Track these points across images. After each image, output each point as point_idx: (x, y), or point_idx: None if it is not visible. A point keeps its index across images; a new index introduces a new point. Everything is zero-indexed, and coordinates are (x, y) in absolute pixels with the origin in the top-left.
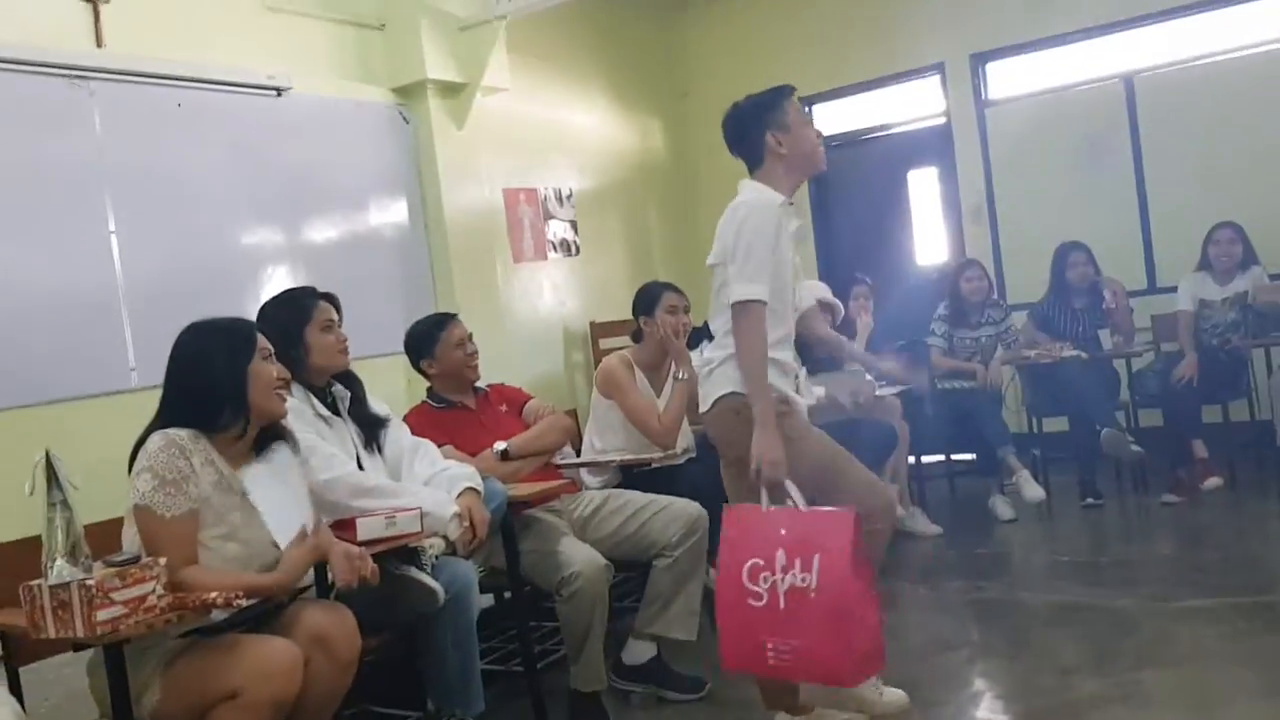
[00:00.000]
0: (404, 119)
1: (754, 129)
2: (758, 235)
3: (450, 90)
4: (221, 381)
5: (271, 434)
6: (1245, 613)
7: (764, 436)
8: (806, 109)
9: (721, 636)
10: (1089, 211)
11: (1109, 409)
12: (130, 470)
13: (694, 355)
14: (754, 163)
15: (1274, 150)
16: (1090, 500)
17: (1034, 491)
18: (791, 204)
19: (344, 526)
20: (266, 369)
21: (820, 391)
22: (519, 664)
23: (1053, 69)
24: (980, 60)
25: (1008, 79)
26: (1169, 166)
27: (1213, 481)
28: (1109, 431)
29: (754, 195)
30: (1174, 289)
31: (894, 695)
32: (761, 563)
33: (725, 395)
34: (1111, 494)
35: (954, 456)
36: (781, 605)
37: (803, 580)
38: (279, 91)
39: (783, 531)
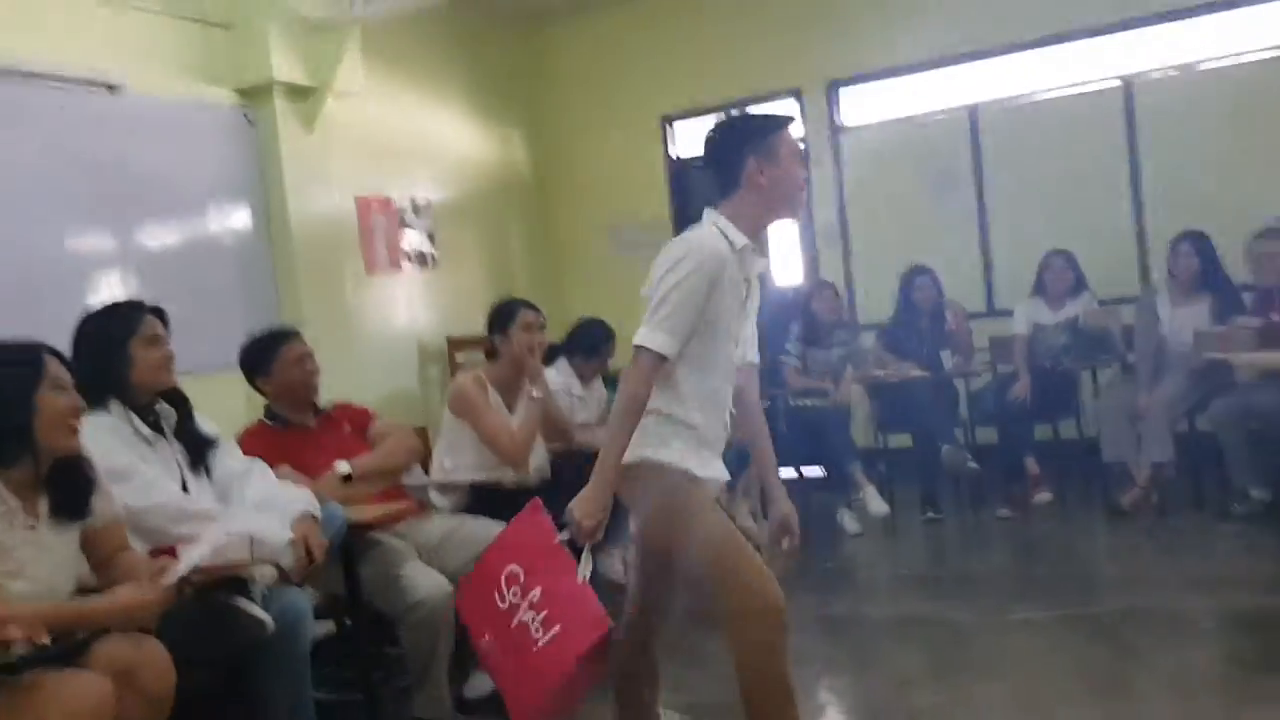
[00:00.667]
0: (248, 121)
1: (737, 149)
2: (685, 282)
3: (299, 93)
4: (2, 413)
5: (67, 466)
6: (1071, 624)
7: (591, 493)
8: (669, 127)
9: (463, 589)
10: (935, 236)
11: (949, 426)
12: None
13: (550, 374)
14: (726, 187)
15: (1104, 182)
16: (931, 514)
17: (879, 506)
18: (754, 247)
19: (165, 553)
20: (55, 400)
21: None
22: (359, 692)
23: (904, 97)
24: (836, 86)
25: (862, 106)
26: (1008, 195)
27: (1043, 496)
28: (949, 448)
29: (704, 235)
30: (1011, 312)
31: None
32: (521, 576)
33: (634, 463)
34: (951, 508)
35: (805, 472)
36: (512, 624)
37: (536, 630)
38: (112, 88)
39: (547, 569)
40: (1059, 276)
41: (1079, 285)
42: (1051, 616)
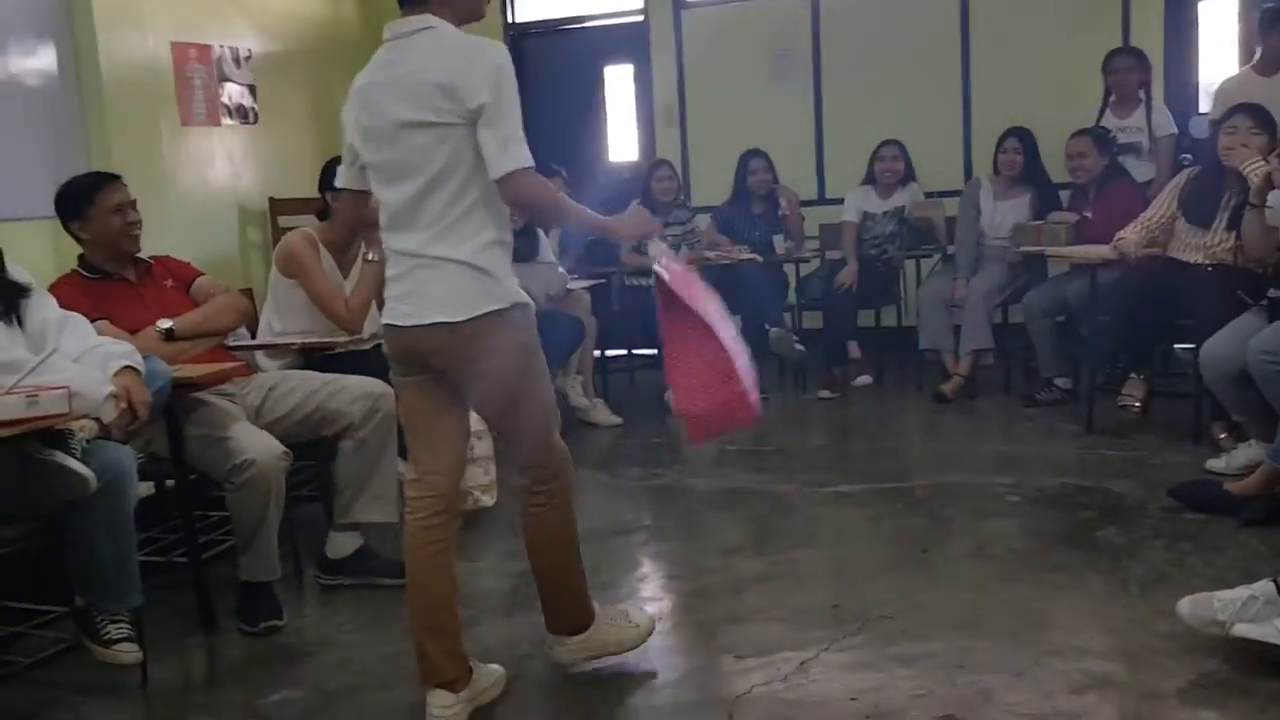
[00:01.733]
0: None
1: None
2: (514, 91)
3: None
4: None
5: None
6: (887, 496)
7: (612, 224)
8: None
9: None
10: (772, 121)
11: (778, 310)
12: None
13: None
14: None
15: (937, 76)
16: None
17: None
18: None
19: None
20: None
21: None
22: (182, 555)
23: None
24: None
25: None
26: (845, 84)
27: (863, 379)
28: (777, 331)
29: (473, 37)
30: (841, 200)
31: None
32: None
33: (492, 313)
34: (775, 389)
35: (636, 351)
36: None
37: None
38: None
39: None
40: (889, 167)
41: (908, 176)
42: (867, 490)
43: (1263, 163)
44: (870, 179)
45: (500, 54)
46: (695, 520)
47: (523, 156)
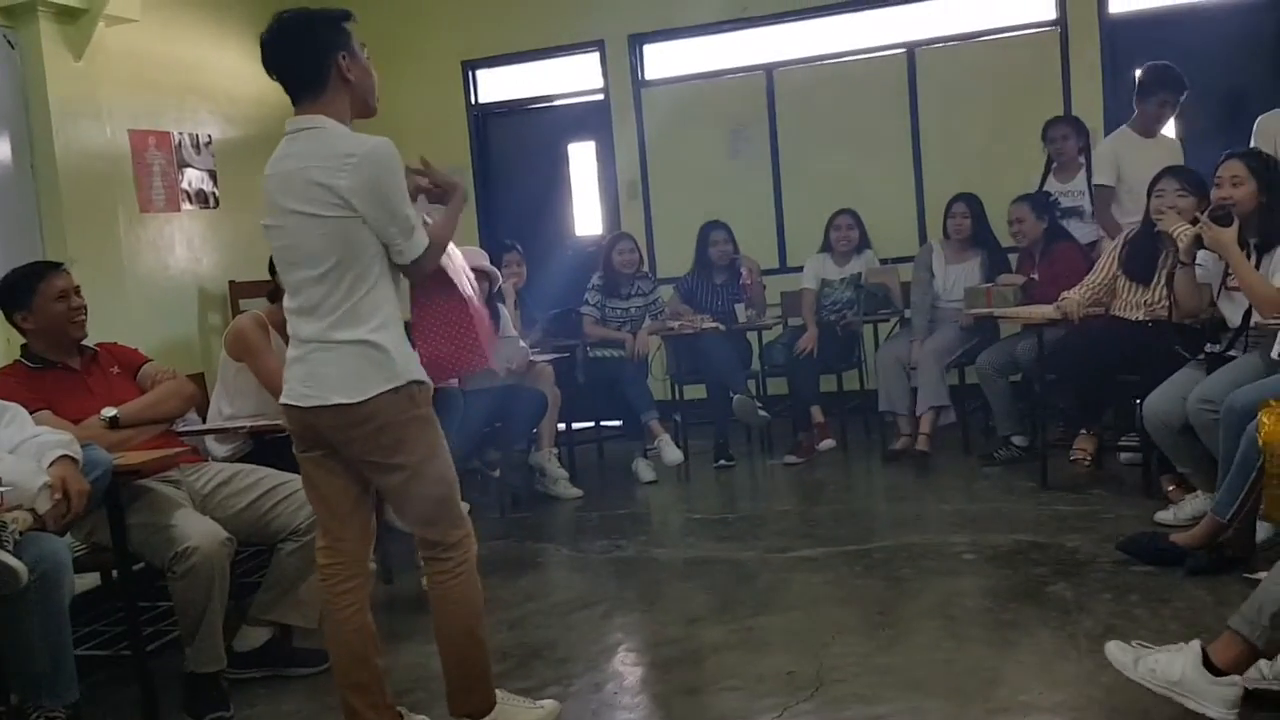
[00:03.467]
0: (9, 43)
1: (323, 46)
2: (396, 174)
3: (67, 15)
4: None
5: None
6: (847, 559)
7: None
8: (471, 73)
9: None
10: (731, 193)
11: (741, 377)
12: None
13: None
14: (311, 90)
15: (888, 145)
16: (723, 462)
17: (673, 454)
18: None
19: None
20: None
21: None
22: (126, 648)
23: (704, 56)
24: (638, 41)
25: (664, 61)
26: (801, 155)
27: (827, 443)
28: (740, 398)
29: (375, 139)
30: (801, 268)
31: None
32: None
33: (387, 392)
34: (742, 456)
35: (604, 423)
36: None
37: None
38: None
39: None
40: (844, 235)
41: (863, 244)
42: (829, 553)
43: (1187, 226)
44: (827, 247)
45: (379, 151)
46: (657, 591)
47: (418, 243)
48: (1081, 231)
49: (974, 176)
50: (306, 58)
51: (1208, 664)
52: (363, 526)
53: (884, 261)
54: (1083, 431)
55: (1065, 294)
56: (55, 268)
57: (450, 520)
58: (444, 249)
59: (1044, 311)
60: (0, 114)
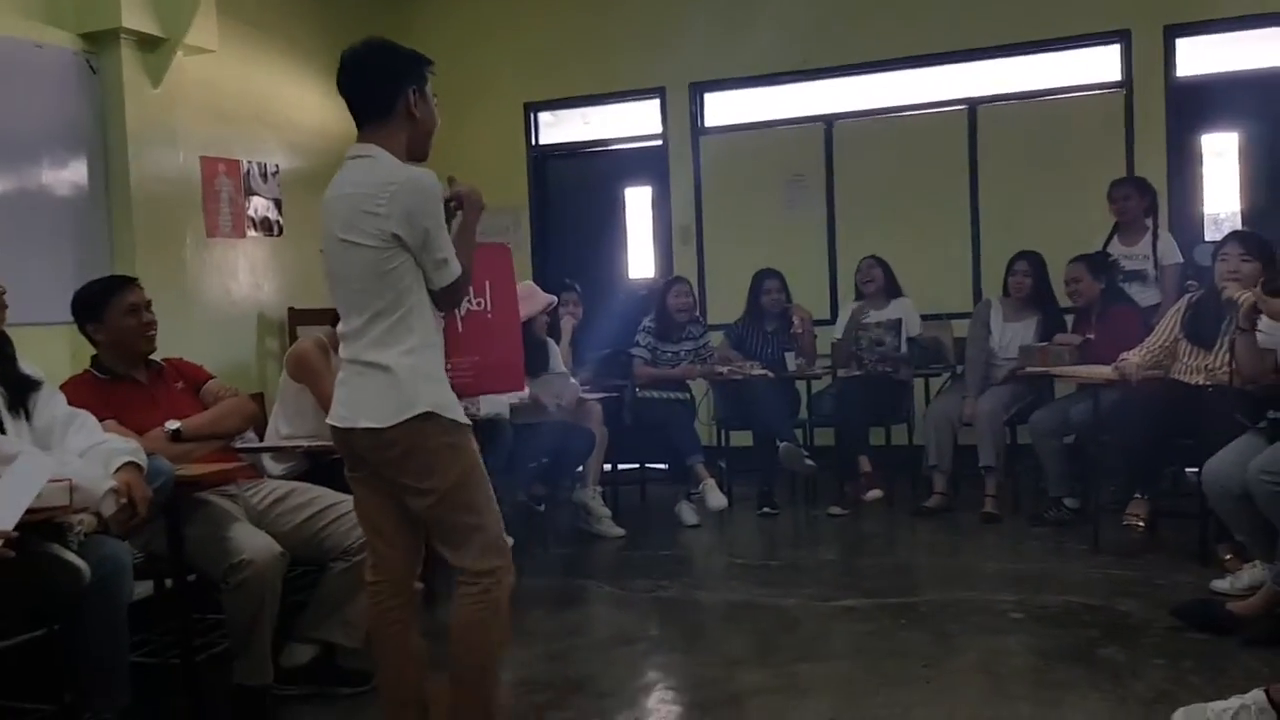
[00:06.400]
0: (91, 69)
1: (399, 76)
2: (435, 206)
3: (148, 43)
4: None
5: None
6: (892, 611)
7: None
8: (532, 115)
9: None
10: (785, 241)
11: (789, 425)
12: None
13: None
14: (377, 116)
15: (948, 200)
16: (767, 509)
17: (717, 499)
18: None
19: None
20: None
21: (525, 392)
22: (176, 656)
23: (764, 105)
24: (699, 89)
25: (723, 109)
26: (857, 208)
27: (874, 493)
28: (787, 446)
29: (416, 170)
30: None
31: None
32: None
33: (415, 418)
34: (786, 504)
35: (648, 465)
36: (460, 329)
37: (478, 304)
38: None
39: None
40: (866, 275)
41: (891, 288)
42: (873, 605)
43: (1247, 293)
44: (860, 295)
45: (418, 181)
46: (699, 632)
47: (451, 272)
48: (1143, 295)
49: (1033, 235)
50: (381, 83)
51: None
52: (408, 547)
53: (937, 316)
54: (1137, 496)
55: (1124, 355)
56: (129, 282)
57: (480, 549)
58: (470, 272)
59: (1102, 372)
60: (79, 136)
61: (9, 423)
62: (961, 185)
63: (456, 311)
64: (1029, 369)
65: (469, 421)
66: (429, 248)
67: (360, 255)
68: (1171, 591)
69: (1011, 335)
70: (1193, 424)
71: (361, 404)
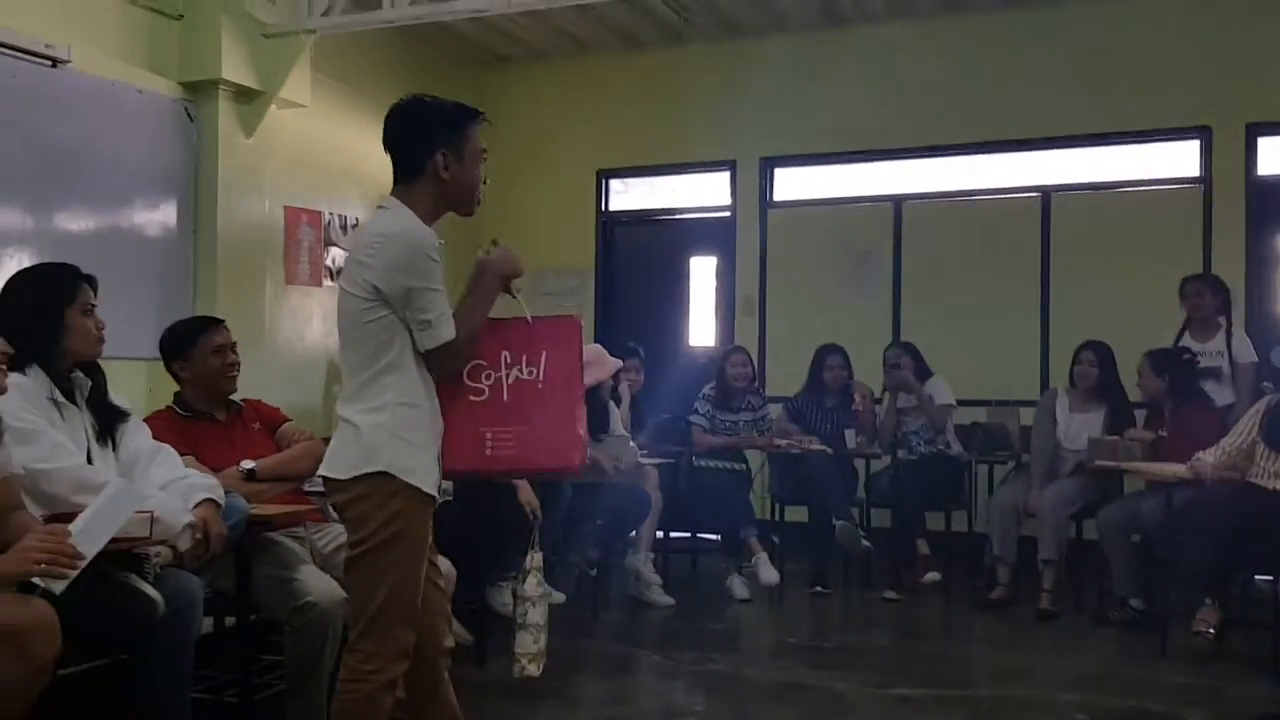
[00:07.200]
0: (189, 116)
1: (425, 137)
2: (437, 275)
3: (244, 95)
4: None
5: None
6: (950, 704)
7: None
8: (604, 181)
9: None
10: (848, 319)
11: (845, 503)
12: None
13: None
14: (407, 175)
15: (1018, 286)
16: (819, 588)
17: (770, 574)
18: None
19: (62, 521)
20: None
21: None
22: (233, 695)
23: (834, 182)
24: (770, 164)
25: (792, 184)
26: (923, 289)
27: (932, 576)
28: (844, 524)
29: (417, 226)
30: None
31: None
32: (484, 364)
33: (367, 475)
34: (839, 585)
35: (700, 535)
36: (505, 397)
37: (529, 373)
38: (55, 63)
39: (509, 336)
40: (895, 364)
41: (922, 373)
42: (930, 695)
43: None
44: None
45: (409, 235)
46: (747, 710)
47: (437, 336)
48: (1217, 393)
49: (1104, 326)
50: (407, 144)
51: None
52: (427, 599)
53: (1004, 402)
54: (1207, 602)
55: (1199, 454)
56: (217, 323)
57: (372, 633)
58: (475, 340)
59: (1175, 470)
60: (171, 180)
61: (96, 452)
62: (1032, 272)
63: (504, 380)
64: (1099, 463)
65: (433, 494)
66: (411, 306)
67: (348, 304)
68: (1241, 703)
69: (1078, 426)
70: (1268, 530)
71: (330, 453)
